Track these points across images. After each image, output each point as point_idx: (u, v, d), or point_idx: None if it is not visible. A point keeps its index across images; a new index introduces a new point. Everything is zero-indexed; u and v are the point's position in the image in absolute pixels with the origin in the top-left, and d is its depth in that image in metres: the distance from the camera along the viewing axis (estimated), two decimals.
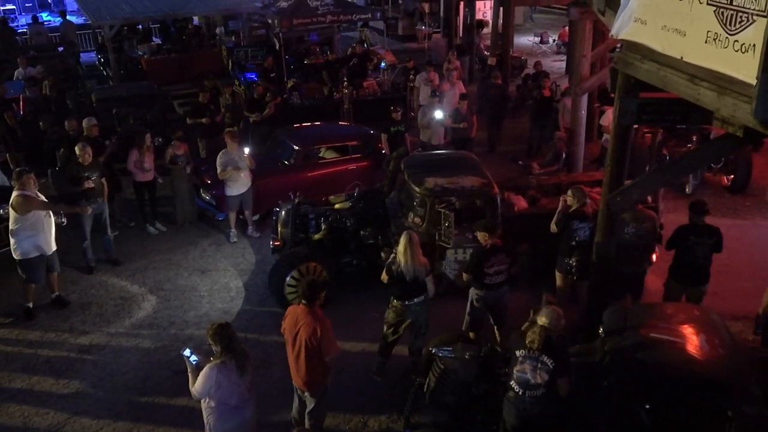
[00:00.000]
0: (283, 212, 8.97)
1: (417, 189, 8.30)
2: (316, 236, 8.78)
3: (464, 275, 7.21)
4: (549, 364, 5.21)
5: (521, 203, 9.04)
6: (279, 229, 8.96)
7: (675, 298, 7.50)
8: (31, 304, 8.55)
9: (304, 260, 8.38)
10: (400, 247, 6.69)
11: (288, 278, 8.29)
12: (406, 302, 6.83)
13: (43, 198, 8.27)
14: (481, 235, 7.09)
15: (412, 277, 6.67)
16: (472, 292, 7.27)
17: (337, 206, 9.22)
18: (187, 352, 5.29)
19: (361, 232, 8.79)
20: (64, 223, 8.63)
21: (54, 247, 8.42)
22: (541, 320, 5.34)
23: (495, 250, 7.01)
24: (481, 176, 8.55)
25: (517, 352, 5.35)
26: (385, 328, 7.12)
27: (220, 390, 5.17)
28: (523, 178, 10.35)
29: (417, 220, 8.27)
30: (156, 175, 10.65)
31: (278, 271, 8.39)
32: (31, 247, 8.14)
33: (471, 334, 7.31)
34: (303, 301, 5.77)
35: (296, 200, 8.99)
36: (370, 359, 7.43)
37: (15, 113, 13.31)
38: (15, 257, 8.20)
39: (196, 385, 5.20)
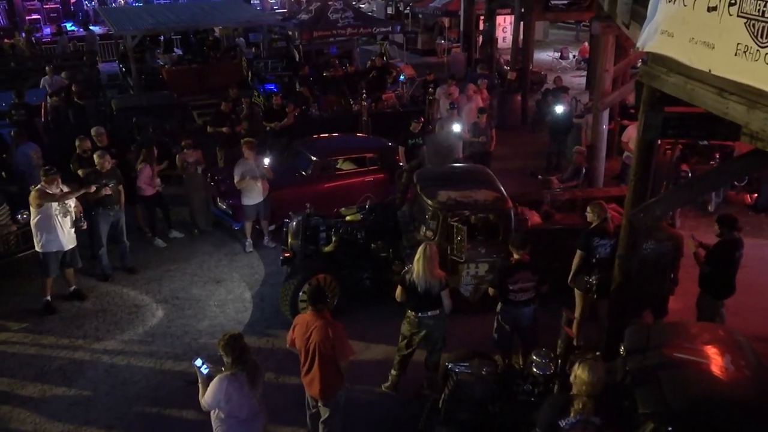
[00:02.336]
0: (294, 224, 8.86)
1: (429, 202, 8.20)
2: (327, 248, 8.68)
3: (490, 290, 7.08)
4: (597, 422, 4.71)
5: (535, 218, 8.91)
6: (289, 240, 8.85)
7: (712, 315, 7.32)
8: (49, 297, 8.82)
9: (314, 273, 8.27)
10: (416, 257, 6.57)
11: (300, 293, 8.13)
12: (419, 314, 6.70)
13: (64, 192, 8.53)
14: (510, 249, 6.97)
15: (423, 288, 6.52)
16: (498, 307, 7.10)
17: (348, 218, 9.10)
18: (198, 362, 5.20)
19: (373, 245, 8.66)
20: (84, 227, 8.83)
21: (72, 244, 8.71)
22: (582, 376, 4.65)
23: (519, 267, 6.83)
24: (494, 190, 8.44)
25: (562, 423, 4.69)
26: (400, 341, 7.01)
27: (230, 402, 5.07)
28: (537, 192, 10.23)
29: (429, 233, 8.14)
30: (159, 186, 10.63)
31: (289, 284, 8.27)
32: (47, 242, 8.46)
33: (498, 355, 7.18)
34: (311, 306, 5.70)
35: (307, 212, 8.90)
36: (383, 373, 7.31)
37: (36, 121, 13.49)
38: (36, 249, 8.58)
39: (206, 396, 5.11)
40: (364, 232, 8.78)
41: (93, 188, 8.97)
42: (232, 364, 5.06)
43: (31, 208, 8.39)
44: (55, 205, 8.36)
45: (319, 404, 5.95)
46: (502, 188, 8.56)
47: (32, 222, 8.46)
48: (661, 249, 7.29)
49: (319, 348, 5.56)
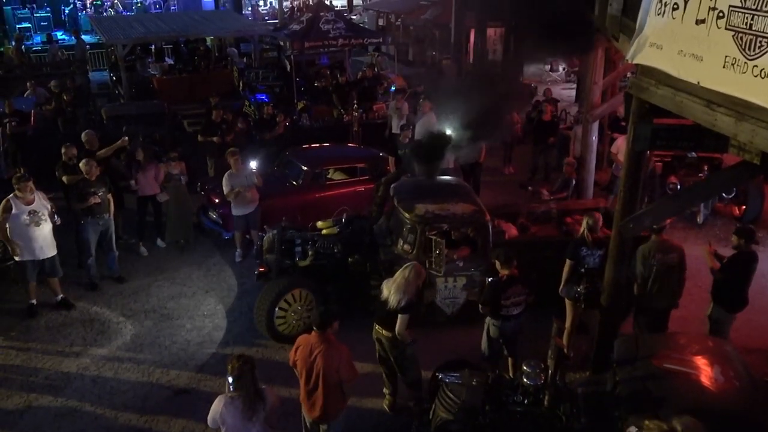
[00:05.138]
0: (269, 238, 8.62)
1: (407, 215, 8.08)
2: (303, 263, 8.44)
3: (481, 307, 6.99)
4: None
5: (512, 231, 8.86)
6: (264, 255, 8.62)
7: (724, 329, 7.29)
8: (34, 301, 8.81)
9: (290, 288, 8.05)
10: (399, 270, 6.51)
11: (276, 308, 7.97)
12: (377, 327, 6.62)
13: (40, 200, 8.43)
14: (497, 265, 6.91)
15: (384, 296, 6.41)
16: (489, 322, 7.04)
17: (324, 232, 8.83)
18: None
19: (349, 259, 8.43)
20: (57, 223, 8.63)
21: (50, 254, 8.60)
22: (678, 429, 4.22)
23: (511, 282, 6.81)
24: (472, 203, 8.38)
25: None
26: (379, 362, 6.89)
27: (225, 425, 4.93)
28: (513, 205, 10.23)
29: (407, 247, 8.02)
30: (159, 191, 10.63)
31: (264, 300, 8.05)
32: (21, 251, 8.37)
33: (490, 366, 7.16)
34: (316, 328, 5.54)
35: (282, 225, 8.71)
36: (371, 385, 7.25)
37: (26, 129, 13.41)
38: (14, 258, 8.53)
39: (210, 412, 5.01)
40: (340, 245, 8.55)
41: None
42: (232, 386, 4.90)
43: None
44: (24, 215, 8.23)
45: (323, 427, 5.78)
46: (479, 201, 8.53)
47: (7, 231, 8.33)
48: (669, 262, 7.26)
49: (325, 373, 5.42)
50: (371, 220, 9.04)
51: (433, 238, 7.64)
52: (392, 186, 8.92)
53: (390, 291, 6.39)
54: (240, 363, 4.88)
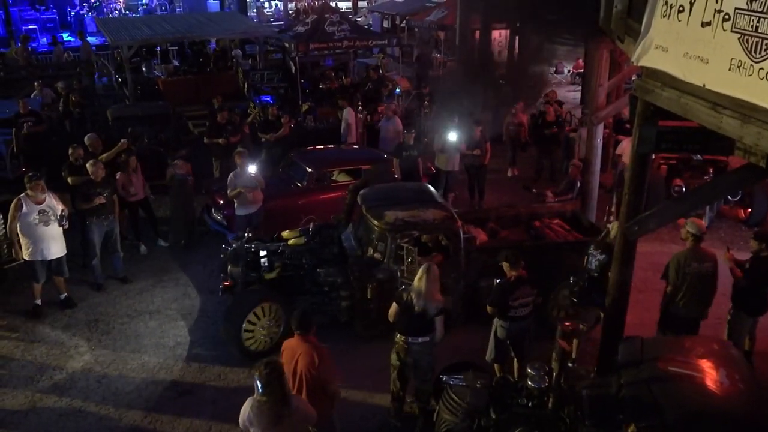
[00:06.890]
0: (233, 250, 8.35)
1: (376, 223, 7.92)
2: (269, 275, 8.14)
3: (488, 308, 6.95)
4: None
5: (481, 236, 8.78)
6: (228, 268, 8.29)
7: (743, 333, 7.34)
8: (38, 301, 8.87)
9: (257, 302, 7.81)
10: (418, 275, 6.40)
11: (244, 324, 7.71)
12: (410, 339, 6.47)
13: (51, 201, 8.49)
14: (504, 266, 6.88)
15: (421, 308, 6.33)
16: (496, 323, 6.99)
17: (290, 242, 8.57)
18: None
19: (318, 270, 8.20)
20: (65, 226, 8.67)
21: (58, 254, 8.67)
22: None
23: (519, 283, 6.78)
24: (442, 209, 8.23)
25: None
26: (391, 371, 6.75)
27: (252, 427, 4.89)
28: (482, 210, 10.14)
29: (377, 255, 7.88)
30: (147, 193, 10.61)
31: (232, 316, 7.79)
32: (31, 250, 8.46)
33: (496, 367, 7.13)
34: (297, 330, 5.55)
35: (247, 236, 8.51)
36: (370, 388, 7.26)
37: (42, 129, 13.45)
38: (23, 257, 8.63)
39: (240, 413, 4.98)
40: (308, 256, 8.31)
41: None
42: (259, 391, 4.85)
43: (9, 217, 8.36)
44: (33, 214, 8.31)
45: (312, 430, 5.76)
46: (449, 206, 8.42)
47: (18, 230, 8.41)
48: (704, 271, 7.16)
49: (306, 373, 5.42)
50: (339, 229, 8.81)
51: (405, 245, 7.49)
52: (360, 193, 8.72)
53: (423, 302, 6.32)
54: (267, 370, 4.78)
